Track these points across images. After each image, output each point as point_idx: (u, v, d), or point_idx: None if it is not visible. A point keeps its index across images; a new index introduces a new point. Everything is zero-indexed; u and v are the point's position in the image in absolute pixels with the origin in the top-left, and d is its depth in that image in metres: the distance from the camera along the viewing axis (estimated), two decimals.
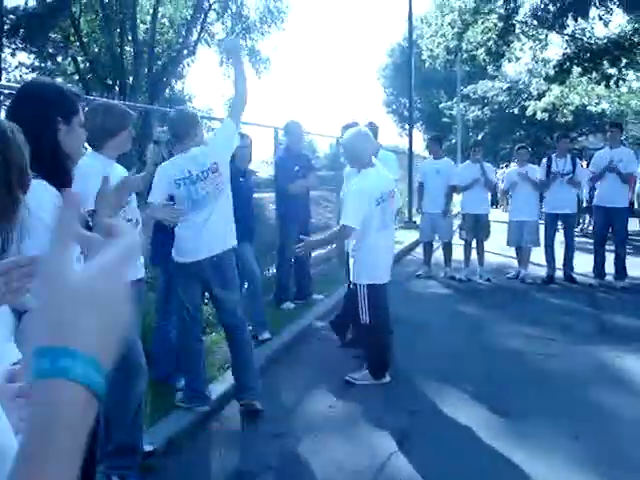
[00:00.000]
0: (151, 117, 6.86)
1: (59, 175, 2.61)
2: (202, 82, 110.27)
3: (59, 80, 28.51)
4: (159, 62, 30.78)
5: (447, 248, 11.04)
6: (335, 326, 7.01)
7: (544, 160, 10.98)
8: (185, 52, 30.92)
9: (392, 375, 6.00)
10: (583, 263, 10.77)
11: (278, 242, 8.40)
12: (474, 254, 10.96)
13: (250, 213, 6.78)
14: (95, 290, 0.71)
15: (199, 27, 31.34)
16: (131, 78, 27.92)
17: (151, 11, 29.60)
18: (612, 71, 21.83)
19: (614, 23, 26.92)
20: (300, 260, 8.60)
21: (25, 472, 0.65)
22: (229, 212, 4.97)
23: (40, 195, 2.46)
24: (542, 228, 10.71)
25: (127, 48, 28.79)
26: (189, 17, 30.96)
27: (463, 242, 11.04)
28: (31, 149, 2.29)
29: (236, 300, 5.09)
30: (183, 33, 31.01)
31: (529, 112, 30.02)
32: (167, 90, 31.42)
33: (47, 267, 0.73)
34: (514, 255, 11.20)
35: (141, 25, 30.04)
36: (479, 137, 31.63)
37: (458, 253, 11.15)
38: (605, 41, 21.50)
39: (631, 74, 24.57)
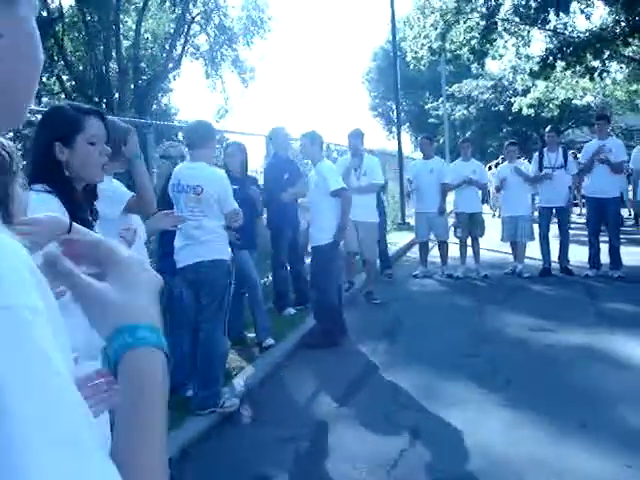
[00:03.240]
0: (148, 133, 6.90)
1: (72, 200, 2.66)
2: (188, 95, 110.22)
3: (45, 99, 28.63)
4: (144, 77, 30.82)
5: (443, 246, 11.08)
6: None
7: (536, 154, 11.07)
8: (170, 66, 30.97)
9: (399, 373, 6.06)
10: (578, 254, 10.85)
11: (271, 250, 8.44)
12: (469, 251, 11.02)
13: (250, 221, 6.82)
14: (138, 275, 0.87)
15: (183, 40, 31.41)
16: (117, 94, 27.95)
17: (134, 27, 29.65)
18: (596, 64, 21.96)
19: (595, 15, 27.01)
20: (296, 266, 8.68)
21: (144, 438, 0.76)
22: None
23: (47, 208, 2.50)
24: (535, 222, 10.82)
25: (112, 65, 28.82)
26: (172, 31, 31.02)
27: (458, 240, 11.09)
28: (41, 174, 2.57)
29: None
30: (167, 47, 31.07)
31: (515, 108, 30.15)
32: (154, 105, 31.43)
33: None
34: (509, 250, 11.27)
35: (125, 41, 30.08)
36: (466, 136, 31.70)
37: (453, 251, 11.22)
38: (587, 34, 21.61)
39: (614, 65, 24.70)
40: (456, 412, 5.17)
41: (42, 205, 2.50)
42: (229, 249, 5.35)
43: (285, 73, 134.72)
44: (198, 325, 5.31)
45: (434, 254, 11.53)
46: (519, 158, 11.31)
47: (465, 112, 37.56)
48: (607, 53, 21.93)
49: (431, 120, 41.89)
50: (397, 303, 9.27)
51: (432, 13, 22.04)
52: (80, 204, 2.68)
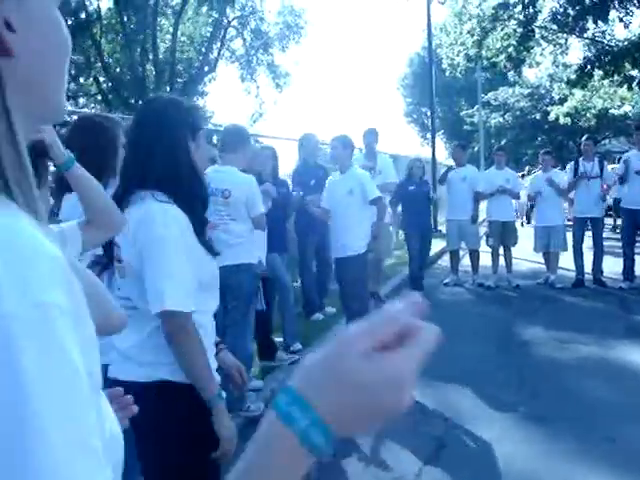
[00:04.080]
0: None
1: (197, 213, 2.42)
2: (224, 98, 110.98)
3: (82, 100, 28.95)
4: (180, 80, 31.06)
5: (474, 255, 10.98)
6: None
7: (571, 163, 10.94)
8: (206, 69, 31.19)
9: (426, 383, 5.99)
10: (612, 266, 10.68)
11: (298, 255, 8.43)
12: (501, 261, 10.91)
13: (281, 224, 6.81)
14: (369, 381, 0.69)
15: (219, 44, 31.61)
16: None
17: (171, 30, 29.90)
18: (634, 73, 21.67)
19: (634, 24, 26.70)
20: (322, 273, 8.69)
21: None
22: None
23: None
24: (569, 232, 10.68)
25: (148, 67, 29.10)
26: (209, 34, 31.23)
27: (490, 249, 10.99)
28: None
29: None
30: (203, 50, 31.29)
31: (551, 117, 29.91)
32: None
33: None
34: (542, 260, 11.14)
35: (161, 44, 30.34)
36: (501, 144, 31.52)
37: (485, 260, 11.12)
38: (626, 43, 21.36)
39: None
40: (481, 424, 5.10)
41: (172, 222, 2.29)
42: (257, 253, 5.34)
43: (320, 78, 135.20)
44: (224, 329, 5.29)
45: (465, 262, 11.44)
46: (554, 167, 11.17)
47: (500, 120, 37.32)
48: None
49: (466, 127, 41.70)
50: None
51: (469, 20, 21.95)
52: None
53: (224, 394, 2.41)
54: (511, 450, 4.63)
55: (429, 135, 23.46)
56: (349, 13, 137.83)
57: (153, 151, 2.32)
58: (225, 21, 31.27)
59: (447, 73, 24.54)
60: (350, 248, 6.91)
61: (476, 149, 33.24)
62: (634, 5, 19.94)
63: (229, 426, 2.38)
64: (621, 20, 20.68)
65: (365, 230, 7.02)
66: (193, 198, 2.37)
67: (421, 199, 9.79)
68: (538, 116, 34.78)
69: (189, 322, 2.30)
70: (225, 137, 5.38)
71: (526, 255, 12.14)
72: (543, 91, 35.01)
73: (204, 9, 30.81)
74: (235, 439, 2.37)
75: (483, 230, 11.66)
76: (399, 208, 10.01)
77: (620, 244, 10.52)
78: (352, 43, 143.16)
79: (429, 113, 24.46)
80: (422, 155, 22.49)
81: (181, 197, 2.32)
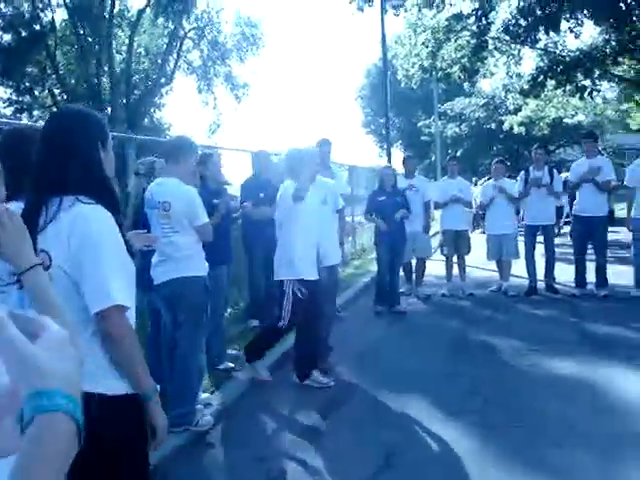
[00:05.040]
0: (129, 147, 6.86)
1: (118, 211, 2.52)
2: (181, 110, 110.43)
3: (36, 112, 28.62)
4: (137, 92, 30.88)
5: (421, 265, 10.99)
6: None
7: (522, 172, 11.06)
8: (162, 81, 31.04)
9: (378, 391, 6.01)
10: (564, 273, 10.83)
11: (246, 267, 8.44)
12: (456, 269, 10.99)
13: (226, 236, 6.76)
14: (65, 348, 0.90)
15: (175, 55, 31.51)
16: (109, 109, 27.97)
17: (127, 41, 29.73)
18: (586, 82, 22.04)
19: (585, 35, 27.11)
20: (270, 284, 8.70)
21: None
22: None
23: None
24: (521, 240, 10.81)
25: (104, 79, 28.88)
26: (165, 46, 31.11)
27: (445, 258, 11.06)
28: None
29: None
30: (159, 62, 31.15)
31: (506, 127, 30.30)
32: (146, 119, 31.47)
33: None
34: (495, 268, 11.25)
35: (117, 56, 30.16)
36: (458, 153, 31.79)
37: (440, 269, 11.20)
38: (577, 53, 21.73)
39: (605, 84, 24.84)
40: (433, 432, 5.13)
41: (104, 220, 2.38)
42: (206, 265, 5.30)
43: (278, 89, 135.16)
44: (175, 342, 5.25)
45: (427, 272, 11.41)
46: (509, 177, 11.29)
47: (457, 130, 37.68)
48: (597, 72, 22.03)
49: (423, 138, 42.02)
50: (379, 321, 9.23)
51: (423, 31, 22.15)
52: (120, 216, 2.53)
53: (158, 387, 2.53)
54: (462, 457, 4.65)
55: (387, 145, 23.56)
56: (307, 24, 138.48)
57: (69, 159, 2.39)
58: (181, 32, 31.18)
59: (403, 84, 24.72)
60: (332, 257, 6.91)
61: (433, 159, 33.50)
62: (584, 16, 20.29)
63: (164, 417, 2.53)
64: (572, 31, 21.03)
65: (337, 239, 7.10)
66: (109, 201, 2.44)
67: (392, 209, 9.50)
68: (493, 126, 35.18)
69: (128, 317, 2.43)
70: (167, 148, 5.35)
71: (479, 263, 12.25)
72: (498, 101, 35.41)
73: (160, 20, 30.68)
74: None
75: (437, 240, 11.73)
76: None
77: (572, 251, 10.67)
78: (311, 54, 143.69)
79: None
80: (380, 165, 22.60)
81: (102, 200, 2.40)
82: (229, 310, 8.08)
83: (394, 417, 5.53)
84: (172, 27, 30.35)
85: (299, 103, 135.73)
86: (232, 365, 6.74)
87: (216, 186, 6.92)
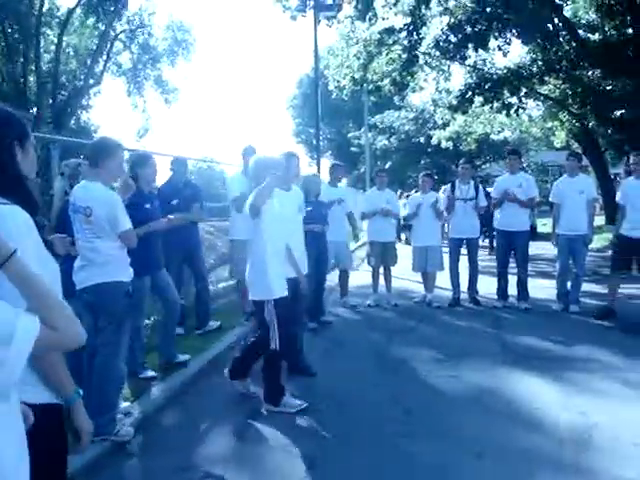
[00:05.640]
0: (53, 149, 6.71)
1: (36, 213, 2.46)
2: (109, 113, 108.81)
3: None
4: (64, 92, 30.28)
5: (344, 276, 11.04)
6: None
7: (448, 186, 11.25)
8: (91, 82, 30.52)
9: (303, 401, 6.00)
10: (487, 285, 11.04)
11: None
12: (382, 280, 11.08)
13: (156, 241, 6.66)
14: None
15: (105, 57, 31.04)
16: (35, 108, 27.36)
17: (55, 41, 29.14)
18: (513, 100, 22.58)
19: (513, 54, 27.62)
20: (199, 288, 8.65)
21: None
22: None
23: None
24: (445, 252, 11.00)
25: (31, 78, 28.23)
26: (95, 47, 30.62)
27: (371, 269, 11.13)
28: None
29: None
30: (88, 63, 30.63)
31: (434, 141, 30.80)
32: (72, 121, 30.88)
33: None
34: (420, 280, 11.38)
35: (45, 55, 29.53)
36: (386, 166, 32.18)
37: (366, 279, 11.26)
38: (505, 71, 22.23)
39: (531, 102, 25.46)
40: (354, 443, 5.13)
41: (22, 221, 2.28)
42: (130, 271, 5.22)
43: (210, 95, 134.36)
44: (95, 349, 5.14)
45: (351, 283, 11.44)
46: (436, 190, 11.47)
47: (386, 142, 38.14)
48: (524, 90, 22.58)
49: (353, 149, 42.38)
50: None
51: (356, 43, 22.32)
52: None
53: (81, 391, 2.51)
54: (382, 467, 4.67)
55: (316, 155, 23.67)
56: (241, 32, 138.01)
57: None
58: (112, 34, 30.74)
59: (334, 95, 24.88)
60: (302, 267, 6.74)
61: (362, 170, 33.78)
62: (513, 34, 20.75)
63: (89, 421, 2.52)
64: (500, 49, 21.51)
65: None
66: (27, 202, 2.37)
67: (319, 221, 9.08)
68: (422, 140, 35.74)
69: None
70: (90, 151, 5.24)
71: (405, 274, 12.38)
72: (427, 115, 35.99)
73: (90, 21, 30.20)
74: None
75: (359, 252, 11.80)
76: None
77: (495, 264, 10.88)
78: (244, 62, 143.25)
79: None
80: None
81: (19, 200, 2.32)
82: (153, 318, 7.94)
83: (316, 427, 5.52)
84: (102, 28, 29.90)
85: (231, 110, 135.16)
86: (154, 374, 6.66)
87: (149, 190, 6.84)
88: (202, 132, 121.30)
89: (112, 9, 28.42)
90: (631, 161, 9.96)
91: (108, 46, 30.78)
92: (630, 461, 4.61)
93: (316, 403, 6.05)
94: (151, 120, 34.35)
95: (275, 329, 5.76)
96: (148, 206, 6.56)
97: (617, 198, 9.94)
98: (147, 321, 7.65)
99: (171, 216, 6.98)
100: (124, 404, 5.67)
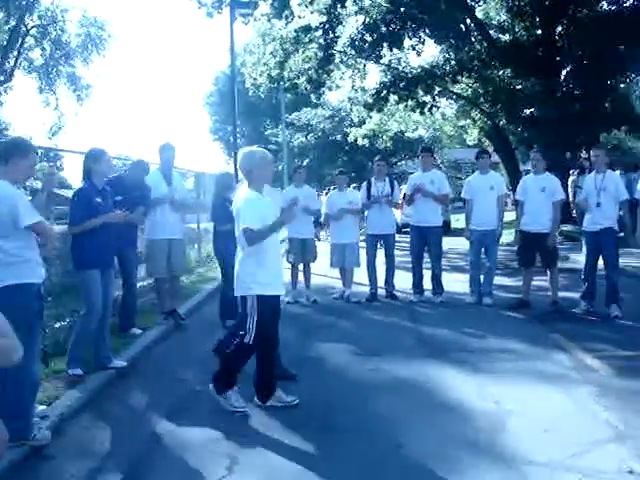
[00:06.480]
0: None
1: None
2: (21, 110, 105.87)
3: None
4: None
5: None
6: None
7: (364, 183, 11.43)
8: (1, 78, 29.66)
9: (216, 403, 6.01)
10: (403, 280, 11.27)
11: None
12: (300, 276, 11.18)
13: (108, 235, 6.60)
14: None
15: (16, 53, 30.20)
16: None
17: None
18: (426, 98, 23.01)
19: (427, 53, 28.06)
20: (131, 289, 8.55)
21: None
22: None
23: None
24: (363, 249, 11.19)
25: None
26: (5, 42, 29.74)
27: (290, 265, 11.20)
28: None
29: None
30: None
31: (351, 138, 31.06)
32: None
33: None
34: (338, 276, 11.52)
35: None
36: (304, 163, 32.31)
37: (285, 276, 11.32)
38: (419, 70, 22.63)
39: (444, 101, 25.98)
40: (273, 440, 5.16)
41: None
42: (41, 271, 5.12)
43: (126, 92, 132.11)
44: None
45: None
46: (355, 187, 11.62)
47: (304, 140, 38.28)
48: (437, 89, 23.04)
49: (271, 146, 42.34)
50: (224, 329, 9.21)
51: (272, 41, 22.36)
52: None
53: None
54: (305, 464, 4.70)
55: (234, 153, 23.62)
56: (157, 28, 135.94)
57: None
58: (23, 29, 29.92)
59: (251, 92, 24.85)
60: None
61: (280, 168, 33.83)
62: (426, 34, 21.14)
63: (4, 428, 2.59)
64: (414, 48, 21.89)
65: None
66: None
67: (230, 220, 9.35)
68: (339, 137, 36.01)
69: None
70: (1, 149, 5.12)
71: (323, 271, 12.51)
72: (344, 113, 36.30)
73: (0, 15, 29.33)
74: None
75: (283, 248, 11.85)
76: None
77: (410, 259, 11.10)
78: (160, 58, 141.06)
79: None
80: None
81: None
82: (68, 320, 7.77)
83: (237, 424, 5.54)
84: (13, 23, 29.07)
85: (147, 107, 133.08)
86: (124, 363, 6.87)
87: (102, 184, 6.75)
88: (118, 130, 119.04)
89: (24, 3, 27.68)
90: (531, 157, 10.37)
91: (19, 42, 29.95)
92: (541, 446, 4.80)
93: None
94: (64, 117, 33.50)
95: (254, 324, 5.72)
96: (99, 200, 6.55)
97: (516, 195, 10.33)
98: (62, 323, 7.54)
99: (120, 212, 6.94)
100: (40, 407, 5.56)
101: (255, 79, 23.15)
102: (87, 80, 33.91)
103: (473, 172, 11.29)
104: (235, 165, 20.10)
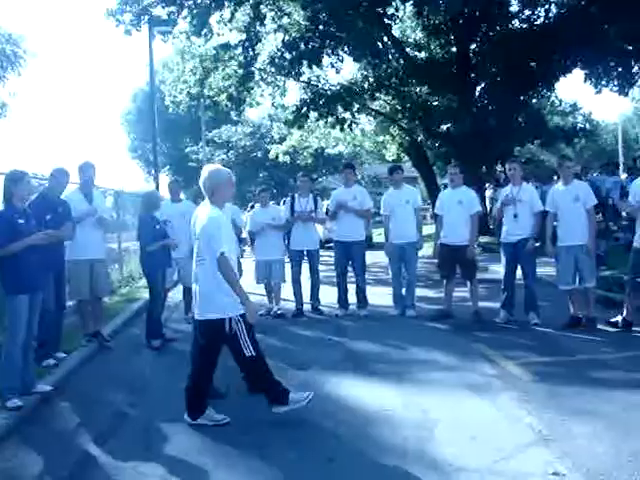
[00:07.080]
0: None
1: None
2: None
3: None
4: None
5: (189, 292, 10.94)
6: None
7: (288, 199, 11.53)
8: None
9: (154, 418, 5.96)
10: (328, 295, 11.37)
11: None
12: None
13: (33, 257, 6.44)
14: None
15: None
16: None
17: None
18: (346, 115, 23.29)
19: (346, 70, 28.52)
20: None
21: None
22: None
23: None
24: (288, 265, 11.26)
25: None
26: None
27: None
28: None
29: None
30: None
31: (272, 155, 31.14)
32: None
33: None
34: (264, 292, 11.53)
35: None
36: None
37: None
38: (338, 87, 22.90)
39: (363, 117, 26.33)
40: (204, 458, 5.16)
41: None
42: None
43: (42, 110, 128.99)
44: None
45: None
46: (277, 204, 11.70)
47: (224, 157, 38.21)
48: (356, 106, 23.34)
49: (191, 164, 42.10)
50: (148, 350, 9.13)
51: (192, 58, 22.32)
52: None
53: None
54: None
55: (153, 171, 23.42)
56: (75, 44, 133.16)
57: None
58: None
59: (170, 109, 24.70)
60: None
61: None
62: (345, 52, 21.42)
63: None
64: (333, 66, 22.15)
65: None
66: None
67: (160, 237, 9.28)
68: (260, 154, 36.09)
69: None
70: None
71: (249, 287, 12.48)
72: (264, 130, 36.41)
73: None
74: None
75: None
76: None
77: (334, 274, 11.21)
78: (77, 75, 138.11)
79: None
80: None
81: None
82: None
83: (167, 444, 5.50)
84: None
85: (65, 125, 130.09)
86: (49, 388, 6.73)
87: (22, 206, 6.59)
88: (35, 148, 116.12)
89: None
90: (448, 172, 10.67)
91: None
92: (470, 453, 4.93)
93: (168, 419, 6.04)
94: None
95: (245, 338, 5.80)
96: (22, 221, 6.41)
97: (435, 209, 10.60)
98: None
99: (49, 231, 6.80)
100: None
101: (175, 96, 23.05)
102: (2, 98, 33.05)
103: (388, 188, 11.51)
104: (157, 183, 19.99)
